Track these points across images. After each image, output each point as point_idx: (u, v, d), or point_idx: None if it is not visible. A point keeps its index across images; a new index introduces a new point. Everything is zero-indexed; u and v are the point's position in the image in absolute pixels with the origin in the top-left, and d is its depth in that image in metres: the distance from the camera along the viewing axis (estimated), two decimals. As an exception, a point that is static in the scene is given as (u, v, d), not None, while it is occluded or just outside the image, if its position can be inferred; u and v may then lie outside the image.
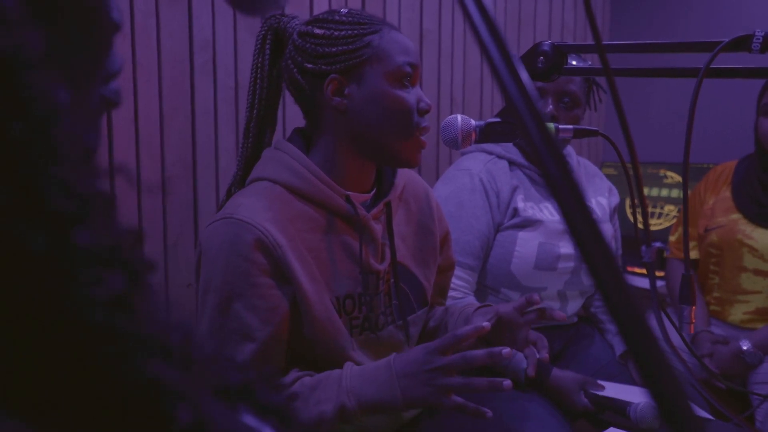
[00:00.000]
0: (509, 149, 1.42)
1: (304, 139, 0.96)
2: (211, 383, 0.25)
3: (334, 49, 0.87)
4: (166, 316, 0.23)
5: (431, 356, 0.79)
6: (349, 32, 0.87)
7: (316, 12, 1.64)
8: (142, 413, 0.20)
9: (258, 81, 0.95)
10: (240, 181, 0.98)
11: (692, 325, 0.69)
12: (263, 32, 0.94)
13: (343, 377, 0.83)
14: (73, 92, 0.20)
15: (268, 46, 0.94)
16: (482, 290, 1.39)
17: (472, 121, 0.91)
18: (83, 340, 0.19)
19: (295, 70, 0.90)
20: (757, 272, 1.57)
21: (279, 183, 0.90)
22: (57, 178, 0.19)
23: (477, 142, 0.90)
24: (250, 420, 0.26)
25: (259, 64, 0.95)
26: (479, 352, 0.79)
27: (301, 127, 0.99)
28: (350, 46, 0.87)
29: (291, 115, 1.57)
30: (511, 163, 1.41)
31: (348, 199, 0.91)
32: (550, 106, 1.36)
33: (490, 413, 0.81)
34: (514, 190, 1.38)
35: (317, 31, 0.88)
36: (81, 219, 0.19)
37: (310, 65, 0.88)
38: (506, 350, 0.78)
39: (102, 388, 0.19)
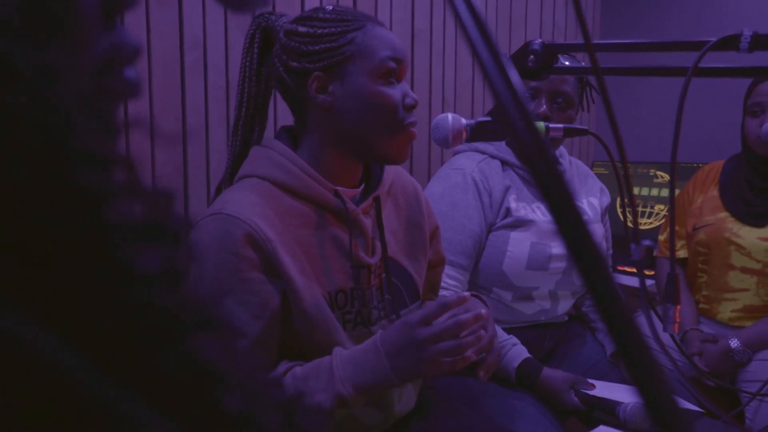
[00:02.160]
0: (502, 149, 1.42)
1: (291, 136, 0.97)
2: (259, 378, 0.23)
3: (317, 47, 0.87)
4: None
5: (414, 330, 0.80)
6: (332, 29, 0.88)
7: (307, 9, 1.63)
8: (185, 396, 0.19)
9: (246, 79, 0.95)
10: (229, 178, 0.98)
11: (677, 325, 0.70)
12: (252, 31, 0.95)
13: (334, 366, 0.83)
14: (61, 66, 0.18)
15: (256, 45, 0.94)
16: (474, 289, 1.40)
17: (463, 120, 0.91)
18: (127, 320, 0.18)
19: (281, 68, 0.91)
20: (745, 270, 1.58)
21: (267, 179, 0.90)
22: (75, 148, 0.17)
23: (468, 140, 0.91)
24: None
25: (247, 63, 0.95)
26: (467, 315, 0.80)
27: (288, 125, 0.99)
28: (332, 44, 0.87)
29: (282, 113, 1.57)
30: (504, 163, 1.42)
31: (337, 193, 0.91)
32: (544, 107, 1.36)
33: (483, 375, 0.84)
34: (507, 189, 1.38)
35: (301, 29, 0.88)
36: (110, 192, 0.18)
37: (294, 63, 0.89)
38: (484, 311, 0.82)
39: (149, 367, 0.18)
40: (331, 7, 0.91)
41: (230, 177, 0.98)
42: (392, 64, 0.88)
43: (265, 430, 0.21)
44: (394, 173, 1.05)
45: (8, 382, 0.15)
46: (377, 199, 0.97)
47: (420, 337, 0.79)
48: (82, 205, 0.17)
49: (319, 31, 0.87)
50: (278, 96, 1.00)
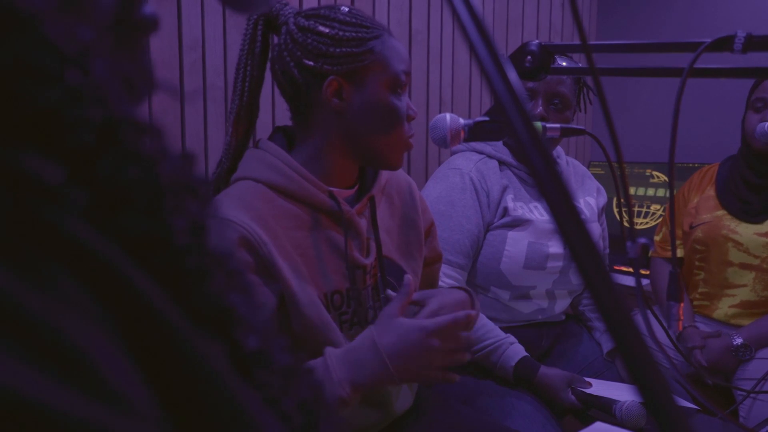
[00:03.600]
0: (499, 149, 1.43)
1: (286, 136, 0.96)
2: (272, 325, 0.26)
3: (338, 50, 0.86)
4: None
5: (430, 338, 0.81)
6: (354, 34, 0.87)
7: (305, 5, 1.64)
8: (214, 332, 0.21)
9: (249, 68, 0.93)
10: (227, 173, 0.96)
11: (680, 322, 0.70)
12: (255, 17, 0.93)
13: (331, 368, 0.82)
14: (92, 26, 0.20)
15: (260, 32, 0.93)
16: (472, 289, 1.40)
17: (461, 120, 0.91)
18: (171, 262, 0.20)
19: (291, 63, 0.88)
20: (743, 266, 1.59)
21: (261, 181, 0.89)
22: (126, 121, 0.19)
23: (466, 140, 0.91)
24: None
25: (249, 50, 0.93)
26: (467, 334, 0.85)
27: (283, 125, 0.99)
28: (354, 50, 0.86)
29: (281, 113, 1.57)
30: (501, 163, 1.42)
31: (331, 194, 0.91)
32: (540, 108, 1.37)
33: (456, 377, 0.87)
34: (504, 189, 1.39)
35: (322, 28, 0.86)
36: (151, 156, 0.20)
37: (310, 62, 0.87)
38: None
39: (188, 303, 0.20)
40: (347, 9, 0.89)
41: (228, 172, 0.95)
42: (403, 78, 0.90)
43: (277, 365, 0.24)
44: (388, 172, 1.05)
45: (107, 296, 0.17)
46: (372, 199, 0.98)
47: (435, 346, 0.81)
48: (137, 168, 0.19)
49: (341, 34, 0.86)
50: (278, 95, 0.99)
